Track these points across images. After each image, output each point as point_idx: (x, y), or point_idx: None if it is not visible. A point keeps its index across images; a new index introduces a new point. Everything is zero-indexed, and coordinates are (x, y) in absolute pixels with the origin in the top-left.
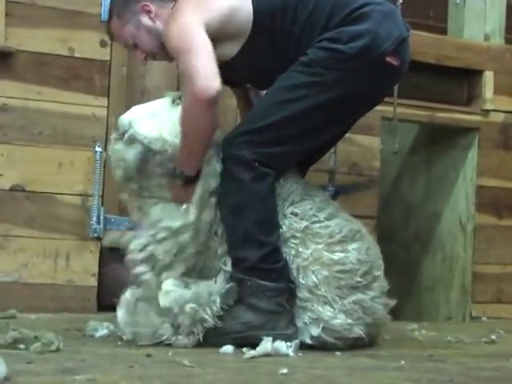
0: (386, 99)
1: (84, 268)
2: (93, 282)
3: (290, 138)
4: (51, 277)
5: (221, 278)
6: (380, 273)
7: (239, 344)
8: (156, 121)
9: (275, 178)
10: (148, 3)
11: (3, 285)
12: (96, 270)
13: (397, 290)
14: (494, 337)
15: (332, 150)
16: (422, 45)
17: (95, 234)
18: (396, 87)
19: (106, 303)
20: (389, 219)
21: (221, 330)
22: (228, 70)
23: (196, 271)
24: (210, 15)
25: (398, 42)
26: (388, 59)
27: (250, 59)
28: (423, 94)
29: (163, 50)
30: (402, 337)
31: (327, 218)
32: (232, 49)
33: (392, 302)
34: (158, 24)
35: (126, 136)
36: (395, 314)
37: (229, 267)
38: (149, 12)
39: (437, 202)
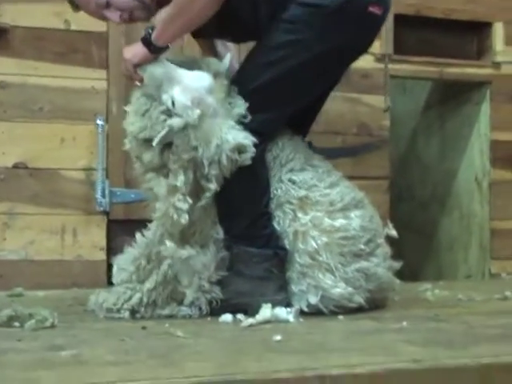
0: (395, 57)
1: (92, 243)
2: (101, 256)
3: (278, 100)
4: (59, 253)
5: (213, 247)
6: (382, 240)
7: (230, 311)
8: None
9: (266, 144)
10: None
11: (11, 263)
12: (104, 243)
13: (416, 249)
14: (508, 293)
15: None
16: None
17: (101, 208)
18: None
19: None
20: (406, 179)
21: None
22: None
23: (194, 239)
24: None
25: None
26: (371, 9)
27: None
28: (432, 49)
29: (141, 3)
30: (411, 298)
31: (328, 187)
32: None
33: (397, 265)
34: None
35: None
36: (415, 274)
37: (221, 235)
38: None
39: (452, 160)
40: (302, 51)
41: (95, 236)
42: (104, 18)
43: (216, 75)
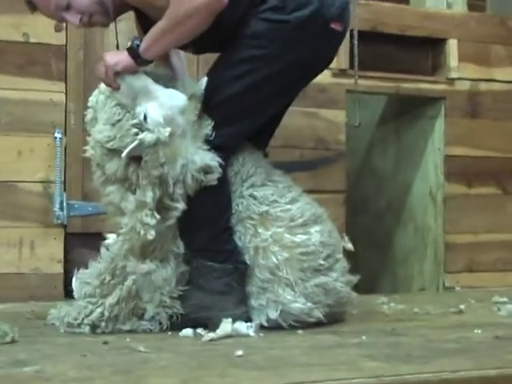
0: (351, 71)
1: (49, 255)
2: (59, 268)
3: (243, 114)
4: (16, 266)
5: (173, 261)
6: (341, 255)
7: (190, 325)
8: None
9: (229, 160)
10: None
11: None
12: (61, 256)
13: (372, 262)
14: (462, 307)
15: None
16: (385, 15)
17: (59, 221)
18: (356, 59)
19: None
20: (361, 192)
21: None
22: None
23: (154, 255)
24: None
25: (341, 8)
26: (332, 26)
27: None
28: (388, 65)
29: (102, 8)
30: (369, 311)
31: (289, 203)
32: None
33: (355, 279)
34: None
35: None
36: (371, 287)
37: (181, 250)
38: None
39: (407, 173)
40: (266, 66)
41: (53, 249)
42: (62, 20)
43: (191, 97)
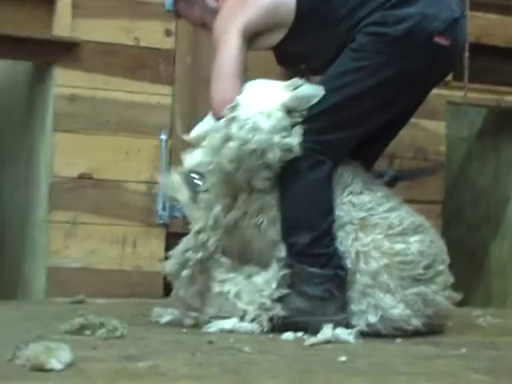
0: (454, 83)
1: (150, 254)
2: (159, 267)
3: (343, 124)
4: (118, 263)
5: (276, 265)
6: (444, 267)
7: (290, 329)
8: None
9: (332, 166)
10: None
11: (72, 271)
12: (162, 255)
13: (465, 274)
14: None
15: None
16: (489, 27)
17: (161, 221)
18: (466, 71)
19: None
20: (457, 203)
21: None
22: (280, 55)
23: (253, 261)
24: (252, 12)
25: (448, 22)
26: (436, 39)
27: (297, 46)
28: (490, 77)
29: None
30: (465, 323)
31: (386, 211)
32: (274, 38)
33: (458, 296)
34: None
35: None
36: (463, 299)
37: (283, 254)
38: None
39: (506, 187)
40: (368, 77)
41: (154, 247)
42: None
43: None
